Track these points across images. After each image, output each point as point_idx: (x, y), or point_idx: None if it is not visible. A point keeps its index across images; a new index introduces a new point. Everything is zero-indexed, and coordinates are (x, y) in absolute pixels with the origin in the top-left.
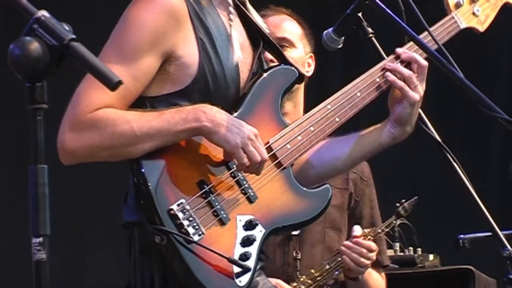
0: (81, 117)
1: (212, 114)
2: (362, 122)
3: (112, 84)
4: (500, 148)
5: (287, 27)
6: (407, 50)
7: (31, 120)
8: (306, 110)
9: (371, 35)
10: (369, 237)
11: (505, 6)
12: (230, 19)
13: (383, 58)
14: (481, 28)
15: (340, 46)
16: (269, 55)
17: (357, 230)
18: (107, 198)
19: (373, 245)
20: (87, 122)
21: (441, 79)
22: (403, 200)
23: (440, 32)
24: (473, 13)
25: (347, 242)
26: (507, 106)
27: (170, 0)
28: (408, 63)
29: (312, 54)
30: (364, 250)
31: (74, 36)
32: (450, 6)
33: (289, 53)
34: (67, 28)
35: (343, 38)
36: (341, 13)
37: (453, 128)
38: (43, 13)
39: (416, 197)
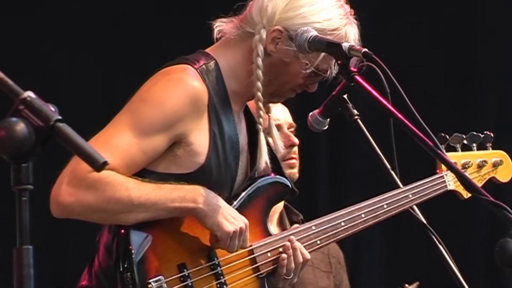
0: (82, 174)
1: (209, 198)
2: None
3: (98, 166)
4: (486, 228)
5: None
6: (296, 242)
7: (17, 201)
8: None
9: (356, 117)
10: None
11: (491, 180)
12: (239, 121)
13: (368, 140)
14: (465, 195)
15: (325, 128)
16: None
17: None
18: None
19: None
20: (87, 181)
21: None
22: (406, 285)
23: (427, 187)
24: None
25: None
26: None
27: (195, 86)
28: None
29: None
30: None
31: (60, 117)
32: (442, 166)
33: None
34: (53, 109)
35: (328, 120)
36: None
37: (438, 208)
38: (29, 94)
39: (417, 282)
